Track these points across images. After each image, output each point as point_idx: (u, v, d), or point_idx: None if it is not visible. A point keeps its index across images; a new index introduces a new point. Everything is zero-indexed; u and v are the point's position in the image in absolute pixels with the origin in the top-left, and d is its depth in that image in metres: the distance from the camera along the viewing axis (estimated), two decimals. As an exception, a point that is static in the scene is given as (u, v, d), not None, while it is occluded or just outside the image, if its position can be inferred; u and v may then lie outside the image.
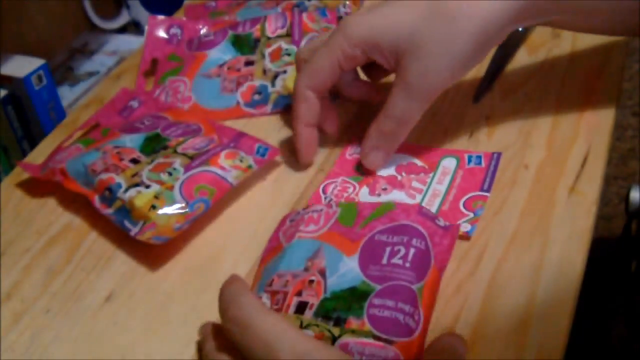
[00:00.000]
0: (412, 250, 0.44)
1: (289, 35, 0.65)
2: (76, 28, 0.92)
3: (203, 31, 0.69)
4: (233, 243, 0.51)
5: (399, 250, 0.44)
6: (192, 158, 0.53)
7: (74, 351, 0.46)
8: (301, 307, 0.42)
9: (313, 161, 0.57)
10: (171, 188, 0.51)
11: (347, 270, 0.43)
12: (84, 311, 0.48)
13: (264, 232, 0.51)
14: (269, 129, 0.61)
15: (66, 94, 0.81)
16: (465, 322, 0.43)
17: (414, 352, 0.40)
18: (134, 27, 0.94)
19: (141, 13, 0.92)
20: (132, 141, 0.56)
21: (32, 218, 0.55)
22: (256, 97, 0.63)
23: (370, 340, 0.40)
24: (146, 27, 0.69)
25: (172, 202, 0.50)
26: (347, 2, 0.72)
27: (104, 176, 0.52)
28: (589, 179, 0.52)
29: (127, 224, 0.50)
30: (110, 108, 0.63)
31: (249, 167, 0.54)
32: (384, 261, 0.43)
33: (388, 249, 0.44)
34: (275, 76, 0.63)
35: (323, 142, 0.59)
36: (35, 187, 0.58)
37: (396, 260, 0.43)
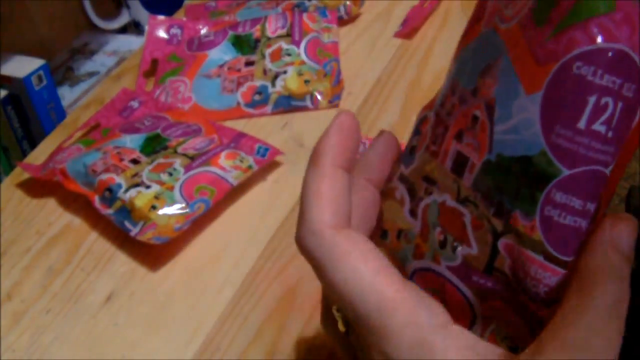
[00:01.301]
0: (619, 105, 0.26)
1: (289, 35, 0.65)
2: (76, 28, 0.92)
3: (203, 31, 0.69)
4: (233, 243, 0.51)
5: (606, 106, 0.26)
6: (192, 158, 0.53)
7: (74, 351, 0.46)
8: (460, 164, 0.28)
9: None
10: (171, 188, 0.51)
11: (523, 120, 0.26)
12: (84, 311, 0.48)
13: (264, 233, 0.51)
14: (269, 130, 0.61)
15: (66, 94, 0.81)
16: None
17: None
18: (134, 27, 0.94)
19: (141, 13, 0.92)
20: (132, 141, 0.56)
21: (33, 218, 0.55)
22: (256, 97, 0.63)
23: (540, 259, 0.26)
24: (146, 27, 0.69)
25: (173, 202, 0.50)
26: (347, 2, 0.72)
27: (104, 176, 0.52)
28: (589, 179, 0.52)
29: (127, 224, 0.50)
30: (111, 108, 0.63)
31: (249, 167, 0.54)
32: (582, 124, 0.25)
33: (592, 101, 0.25)
34: (276, 76, 0.63)
35: (323, 143, 0.59)
36: (35, 187, 0.58)
37: (599, 126, 0.26)
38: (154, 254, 0.51)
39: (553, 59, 0.26)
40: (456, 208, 0.28)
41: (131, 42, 0.90)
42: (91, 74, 0.84)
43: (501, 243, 0.27)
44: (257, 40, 0.65)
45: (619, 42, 0.25)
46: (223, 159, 0.53)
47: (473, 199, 0.27)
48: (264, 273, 0.49)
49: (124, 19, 0.94)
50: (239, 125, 0.61)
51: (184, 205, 0.50)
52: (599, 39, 0.25)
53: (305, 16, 0.67)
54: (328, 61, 0.65)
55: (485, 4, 0.30)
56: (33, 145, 0.72)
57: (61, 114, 0.75)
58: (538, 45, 0.26)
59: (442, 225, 0.28)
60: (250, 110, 0.63)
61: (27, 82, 0.71)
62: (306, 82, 0.63)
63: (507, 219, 0.26)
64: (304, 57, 0.64)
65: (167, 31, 0.69)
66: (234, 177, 0.53)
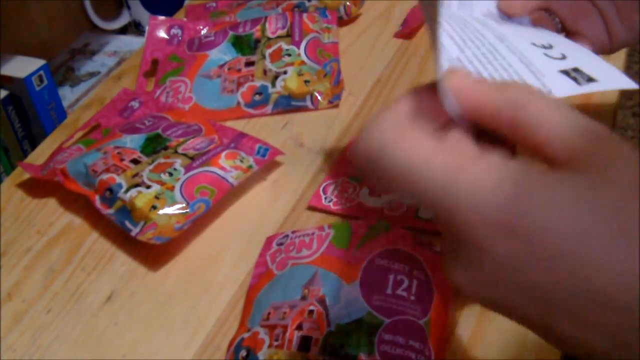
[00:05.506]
0: (414, 282, 0.42)
1: (289, 35, 0.65)
2: (77, 28, 0.91)
3: (203, 32, 0.69)
4: (233, 243, 0.52)
5: (402, 281, 0.42)
6: (192, 158, 0.53)
7: (75, 351, 0.46)
8: (305, 343, 0.40)
9: None
10: (172, 188, 0.51)
11: (350, 299, 0.41)
12: (84, 311, 0.48)
13: (264, 232, 0.51)
14: (269, 130, 0.62)
15: (67, 95, 0.81)
16: (465, 323, 0.44)
17: None
18: (135, 27, 0.94)
19: (142, 14, 0.92)
20: (132, 141, 0.56)
21: (33, 218, 0.56)
22: (257, 97, 0.63)
23: None
24: (147, 28, 0.69)
25: (173, 202, 0.50)
26: (347, 3, 0.72)
27: (105, 176, 0.52)
28: (588, 180, 0.52)
29: (127, 224, 0.50)
30: (111, 108, 0.63)
31: (250, 167, 0.54)
32: (389, 291, 0.41)
33: (391, 277, 0.42)
34: (276, 77, 0.63)
35: (323, 143, 0.59)
36: (36, 187, 0.58)
37: (401, 292, 0.41)
38: (154, 253, 0.51)
39: (360, 261, 0.43)
40: None
41: (132, 43, 0.90)
42: (92, 74, 0.84)
43: None
44: (257, 41, 0.65)
45: (398, 246, 0.44)
46: (223, 159, 0.53)
47: None
48: (264, 273, 0.49)
49: (124, 19, 0.94)
50: (239, 125, 0.62)
51: (184, 205, 0.50)
52: (386, 243, 0.44)
53: (305, 16, 0.67)
54: (328, 61, 0.65)
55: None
56: (34, 145, 0.72)
57: (62, 114, 0.75)
58: (348, 257, 0.43)
59: None
60: (251, 111, 0.63)
61: (28, 82, 0.71)
62: (306, 82, 0.63)
63: None
64: (304, 57, 0.64)
65: (168, 31, 0.70)
66: (234, 177, 0.53)
